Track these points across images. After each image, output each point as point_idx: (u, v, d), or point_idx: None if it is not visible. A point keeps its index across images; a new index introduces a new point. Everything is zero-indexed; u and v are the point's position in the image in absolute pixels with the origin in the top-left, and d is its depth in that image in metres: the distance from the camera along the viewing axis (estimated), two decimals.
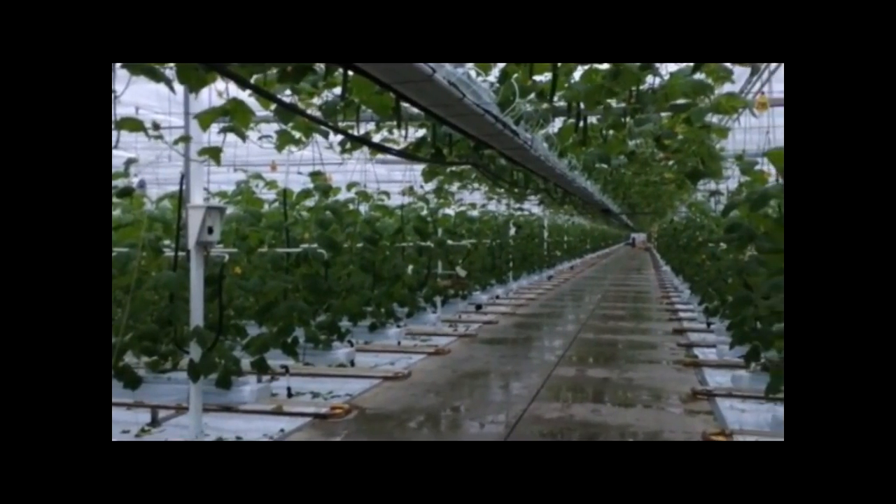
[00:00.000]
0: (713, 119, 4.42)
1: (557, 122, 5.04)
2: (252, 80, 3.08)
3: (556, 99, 3.88)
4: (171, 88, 2.38)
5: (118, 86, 2.21)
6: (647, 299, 13.35)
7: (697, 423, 4.68)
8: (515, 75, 3.68)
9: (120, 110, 2.65)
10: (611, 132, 4.82)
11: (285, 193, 5.68)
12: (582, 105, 3.91)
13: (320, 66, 3.21)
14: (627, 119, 4.37)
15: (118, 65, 2.09)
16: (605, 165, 6.74)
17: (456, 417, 5.01)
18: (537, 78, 3.78)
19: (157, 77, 2.19)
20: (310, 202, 5.90)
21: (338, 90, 3.91)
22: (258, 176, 5.76)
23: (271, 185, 5.88)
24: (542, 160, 5.32)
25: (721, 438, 4.26)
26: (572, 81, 3.72)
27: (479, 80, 3.57)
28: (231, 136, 3.43)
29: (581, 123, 4.44)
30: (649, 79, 3.82)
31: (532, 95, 3.97)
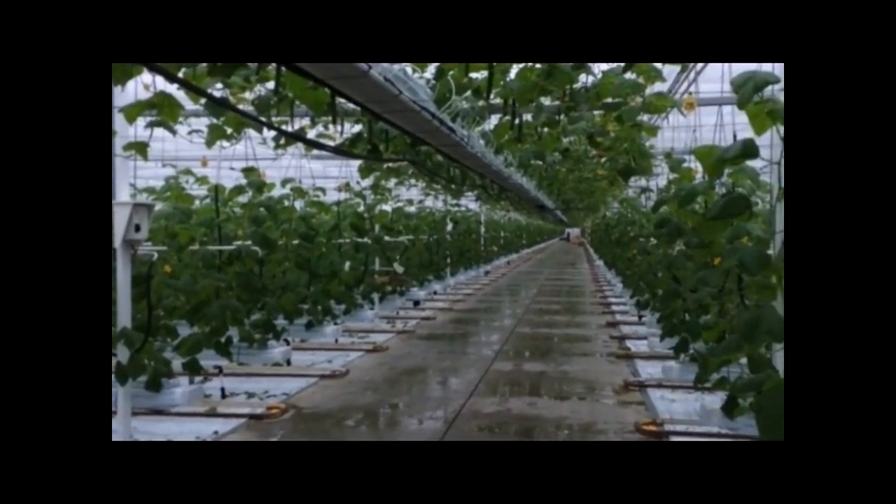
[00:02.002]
0: (643, 118, 4.54)
1: (493, 120, 5.08)
2: (181, 74, 2.99)
3: (492, 96, 3.90)
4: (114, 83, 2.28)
5: None
6: (581, 293, 13.63)
7: (630, 414, 4.82)
8: (451, 73, 3.69)
9: None
10: (545, 130, 4.89)
11: (217, 189, 5.53)
12: (517, 103, 3.95)
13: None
14: (561, 117, 4.45)
15: None
16: (539, 162, 6.84)
17: (394, 415, 5.00)
18: (473, 75, 3.80)
19: None
20: (243, 198, 5.77)
21: (271, 84, 3.84)
22: (188, 171, 5.60)
23: (202, 180, 5.72)
24: (478, 157, 5.36)
25: (652, 428, 4.39)
26: (508, 80, 3.75)
27: (415, 77, 3.57)
28: (159, 131, 3.32)
29: (516, 121, 4.49)
30: (582, 77, 3.89)
31: (468, 93, 3.98)
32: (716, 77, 4.92)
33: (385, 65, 2.72)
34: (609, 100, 4.10)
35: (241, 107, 3.77)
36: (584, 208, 19.06)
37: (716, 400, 4.19)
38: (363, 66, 2.40)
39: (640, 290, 8.08)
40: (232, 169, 5.68)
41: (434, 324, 9.19)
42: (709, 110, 4.99)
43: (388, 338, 7.85)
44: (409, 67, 3.34)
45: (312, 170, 7.11)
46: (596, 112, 4.53)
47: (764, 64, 2.12)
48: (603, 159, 6.37)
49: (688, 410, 4.74)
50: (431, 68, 3.81)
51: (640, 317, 8.56)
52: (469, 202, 14.39)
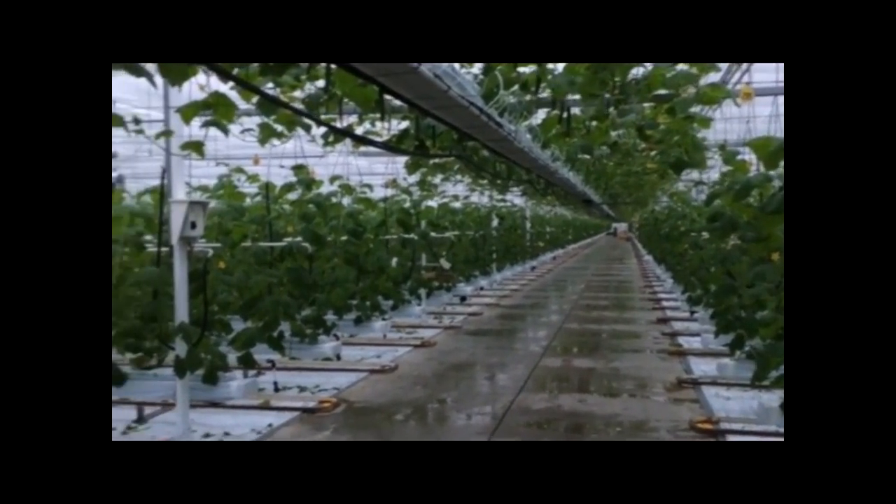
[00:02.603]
0: (696, 109, 4.44)
1: (541, 114, 5.04)
2: (234, 73, 3.05)
3: (540, 90, 3.87)
4: (153, 83, 2.34)
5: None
6: (629, 289, 13.44)
7: (683, 412, 4.73)
8: (499, 67, 3.67)
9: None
10: (594, 123, 4.83)
11: (268, 187, 5.63)
12: (569, 96, 3.91)
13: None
14: (611, 110, 4.38)
15: None
16: (587, 156, 6.76)
17: (443, 410, 5.01)
18: (521, 69, 3.77)
19: (139, 72, 2.15)
20: (292, 195, 5.86)
21: (320, 83, 3.89)
22: (240, 170, 5.71)
23: (253, 178, 5.83)
24: (525, 151, 5.33)
25: (708, 426, 4.31)
26: (556, 73, 3.72)
27: (462, 72, 3.56)
28: (212, 130, 3.39)
29: (564, 115, 4.45)
30: (633, 70, 3.83)
31: (516, 87, 3.96)
32: (770, 67, 4.78)
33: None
34: (661, 92, 4.02)
35: (291, 105, 3.82)
36: (631, 203, 18.77)
37: (773, 398, 4.09)
38: (412, 62, 2.41)
39: (691, 285, 7.92)
40: (282, 167, 5.78)
41: (481, 319, 9.18)
42: (763, 100, 4.86)
43: (436, 333, 7.88)
44: (456, 63, 3.34)
45: (359, 167, 7.17)
46: (646, 104, 4.46)
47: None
48: (653, 152, 6.26)
49: (744, 409, 4.64)
50: (479, 63, 3.80)
51: (693, 313, 8.39)
52: (515, 197, 14.32)
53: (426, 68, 2.57)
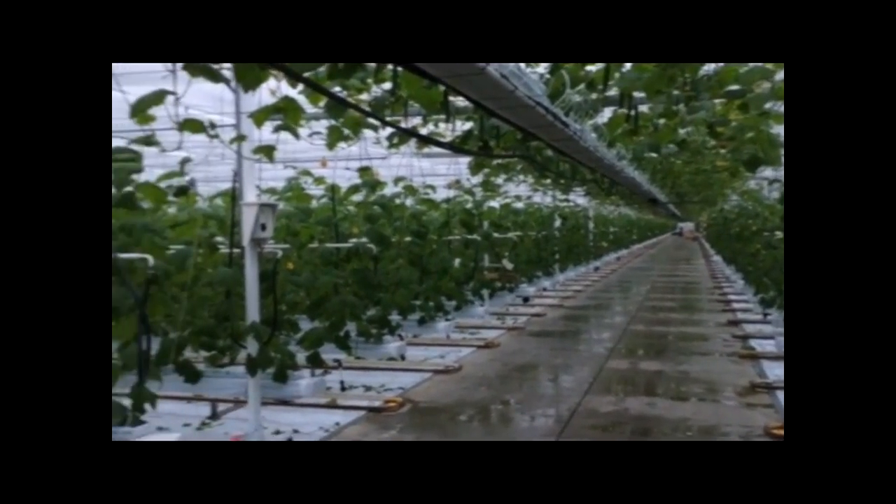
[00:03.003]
0: (769, 105, 4.29)
1: (606, 112, 4.96)
2: (305, 77, 3.11)
3: (607, 88, 3.81)
4: (231, 88, 2.41)
5: (179, 87, 2.26)
6: (697, 290, 13.08)
7: (757, 416, 4.57)
8: (567, 66, 3.63)
9: (173, 111, 2.70)
10: (662, 120, 4.73)
11: (334, 189, 5.73)
12: (637, 94, 3.84)
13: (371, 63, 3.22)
14: (680, 107, 4.28)
15: (180, 66, 2.13)
16: (654, 154, 6.62)
17: (507, 411, 4.99)
18: (589, 68, 3.72)
19: (216, 78, 2.23)
20: (357, 197, 5.95)
21: (386, 85, 3.94)
22: (307, 172, 5.83)
23: (319, 181, 5.94)
24: (590, 150, 5.25)
25: (783, 432, 4.15)
26: (624, 70, 3.65)
27: (528, 72, 3.54)
28: (281, 134, 3.46)
29: (632, 112, 4.36)
30: (705, 66, 3.73)
31: (582, 86, 3.91)
32: None
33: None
34: (732, 88, 3.90)
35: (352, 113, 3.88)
36: (699, 201, 18.27)
37: None
38: (479, 63, 2.41)
39: (764, 286, 7.66)
40: (347, 169, 5.88)
41: (544, 320, 9.11)
42: None
43: (499, 334, 7.86)
44: (522, 63, 3.32)
45: (422, 168, 7.23)
46: (717, 100, 4.33)
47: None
48: (724, 150, 6.08)
49: None
50: (545, 63, 3.77)
51: (766, 315, 8.11)
52: (577, 197, 14.14)
53: (493, 69, 2.56)
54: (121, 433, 3.22)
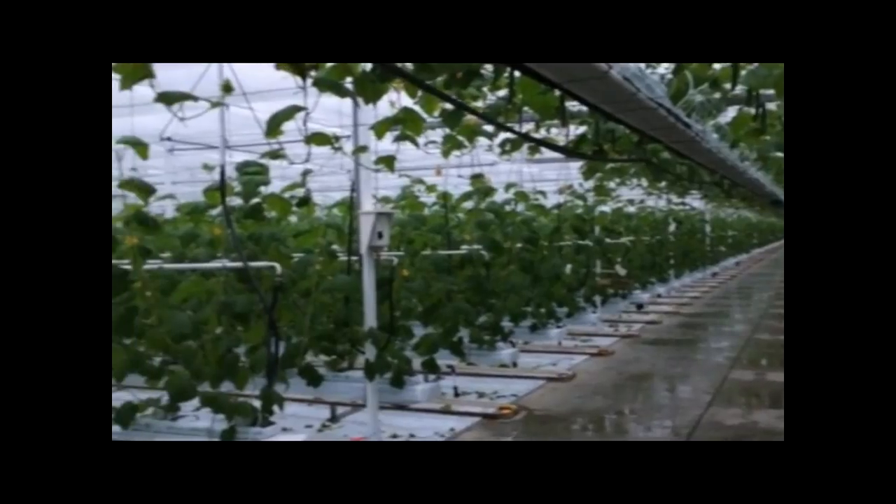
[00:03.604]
0: None
1: (730, 112, 4.74)
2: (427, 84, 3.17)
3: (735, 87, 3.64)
4: (356, 102, 2.49)
5: (309, 101, 2.35)
6: None
7: None
8: (691, 66, 3.50)
9: (294, 125, 2.82)
10: None
11: (445, 196, 5.80)
12: (764, 91, 3.64)
13: (487, 71, 3.23)
14: None
15: (310, 83, 2.22)
16: (781, 154, 6.25)
17: (624, 422, 4.85)
18: (715, 66, 3.56)
19: (342, 93, 2.31)
20: (468, 204, 5.99)
21: (500, 93, 3.95)
22: (420, 181, 5.93)
23: (430, 188, 6.03)
24: (712, 151, 5.04)
25: None
26: (752, 67, 3.47)
27: (648, 73, 3.44)
28: (388, 143, 3.53)
29: (760, 111, 4.14)
30: None
31: (705, 85, 3.75)
32: None
33: (622, 63, 2.65)
34: None
35: (472, 117, 3.91)
36: None
37: None
38: (603, 66, 2.36)
39: None
40: (460, 177, 5.93)
41: (660, 328, 8.80)
42: None
43: (613, 342, 7.67)
44: (642, 63, 3.22)
45: (531, 174, 7.18)
46: None
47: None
48: None
49: None
50: (667, 63, 3.65)
51: None
52: (694, 200, 13.59)
53: (615, 71, 2.50)
54: (252, 433, 3.39)
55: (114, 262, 3.61)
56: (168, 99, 2.20)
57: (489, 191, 5.74)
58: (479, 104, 4.08)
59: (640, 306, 10.31)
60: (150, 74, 2.02)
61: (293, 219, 5.57)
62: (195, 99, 2.35)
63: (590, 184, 7.42)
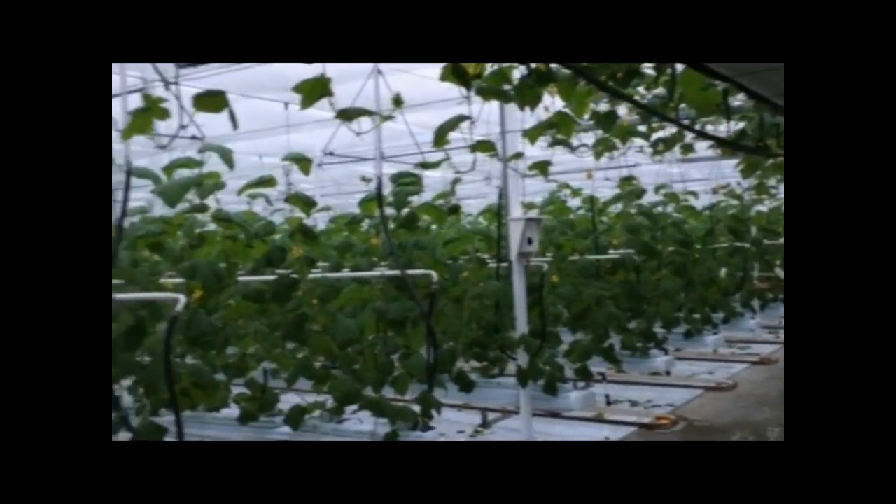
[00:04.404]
0: None
1: None
2: (576, 89, 3.11)
3: None
4: (521, 108, 2.48)
5: (474, 108, 2.38)
6: None
7: None
8: None
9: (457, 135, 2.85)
10: None
11: (592, 200, 5.67)
12: None
13: (647, 69, 3.12)
14: None
15: (473, 92, 2.24)
16: None
17: None
18: None
19: (506, 98, 2.30)
20: (614, 208, 5.82)
21: (657, 90, 3.80)
22: (566, 185, 5.84)
23: (576, 192, 5.92)
24: None
25: None
26: None
27: None
28: (530, 147, 3.48)
29: None
30: None
31: None
32: None
33: None
34: None
35: (626, 116, 3.80)
36: None
37: None
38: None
39: None
40: (607, 179, 5.78)
41: None
42: None
43: (775, 349, 7.17)
44: None
45: (678, 175, 6.86)
46: None
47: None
48: None
49: None
50: None
51: None
52: None
53: None
54: (413, 437, 3.46)
55: (281, 271, 3.84)
56: (347, 115, 2.29)
57: (640, 192, 5.54)
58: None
59: None
60: (328, 93, 2.11)
61: (433, 227, 5.66)
62: (370, 114, 2.44)
63: (747, 182, 6.98)
